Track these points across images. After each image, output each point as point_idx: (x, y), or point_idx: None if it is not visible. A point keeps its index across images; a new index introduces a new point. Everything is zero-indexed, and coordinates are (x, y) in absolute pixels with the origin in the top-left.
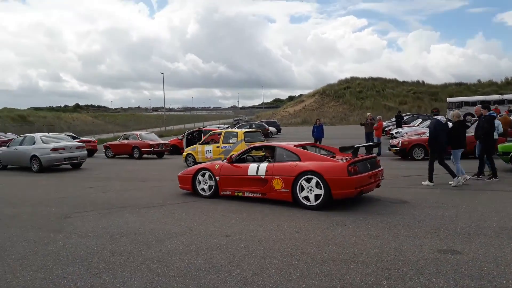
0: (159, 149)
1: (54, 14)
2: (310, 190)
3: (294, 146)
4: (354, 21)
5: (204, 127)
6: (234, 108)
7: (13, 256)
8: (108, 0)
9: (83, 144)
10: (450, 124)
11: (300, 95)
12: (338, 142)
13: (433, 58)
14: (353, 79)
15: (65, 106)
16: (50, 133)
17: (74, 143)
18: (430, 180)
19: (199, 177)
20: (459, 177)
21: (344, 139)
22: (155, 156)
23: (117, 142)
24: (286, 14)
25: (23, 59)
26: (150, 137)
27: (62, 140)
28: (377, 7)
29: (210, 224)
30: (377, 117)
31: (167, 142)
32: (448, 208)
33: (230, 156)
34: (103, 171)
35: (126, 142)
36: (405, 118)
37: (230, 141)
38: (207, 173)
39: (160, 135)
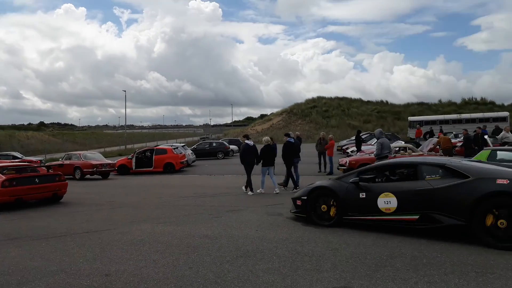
0: (103, 169)
1: (14, 31)
2: None
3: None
4: (324, 43)
5: (157, 146)
6: (205, 126)
7: None
8: (74, 19)
9: None
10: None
11: (271, 114)
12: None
13: (396, 79)
14: (319, 98)
15: (29, 124)
16: None
17: None
18: (251, 189)
19: None
20: (261, 189)
21: None
22: (99, 176)
23: (58, 162)
24: (254, 35)
25: None
26: (94, 156)
27: None
28: (346, 30)
29: (98, 260)
30: (329, 136)
31: (112, 162)
32: (366, 236)
33: None
34: None
35: (68, 162)
36: (363, 137)
37: None
38: None
39: (119, 154)
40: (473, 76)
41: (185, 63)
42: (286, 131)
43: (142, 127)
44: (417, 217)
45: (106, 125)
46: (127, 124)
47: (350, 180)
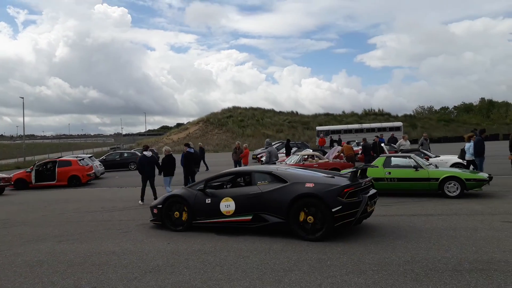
0: None
1: None
2: None
3: None
4: (237, 55)
5: (60, 158)
6: (116, 135)
7: None
8: None
9: None
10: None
11: (188, 123)
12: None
13: (304, 91)
14: (235, 108)
15: None
16: None
17: None
18: (142, 199)
19: None
20: None
21: (214, 167)
22: None
23: None
24: (165, 43)
25: None
26: None
27: None
28: (257, 43)
29: None
30: (244, 145)
31: (8, 175)
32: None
33: None
34: None
35: None
36: (276, 145)
37: None
38: None
39: (17, 167)
40: (371, 90)
41: (91, 69)
42: (203, 140)
43: (44, 137)
44: (250, 217)
45: (2, 135)
46: (27, 134)
47: (198, 188)
